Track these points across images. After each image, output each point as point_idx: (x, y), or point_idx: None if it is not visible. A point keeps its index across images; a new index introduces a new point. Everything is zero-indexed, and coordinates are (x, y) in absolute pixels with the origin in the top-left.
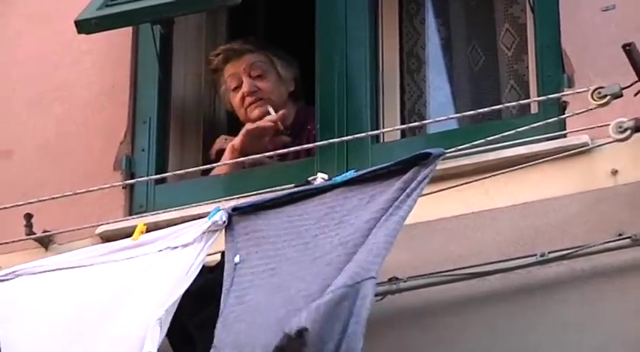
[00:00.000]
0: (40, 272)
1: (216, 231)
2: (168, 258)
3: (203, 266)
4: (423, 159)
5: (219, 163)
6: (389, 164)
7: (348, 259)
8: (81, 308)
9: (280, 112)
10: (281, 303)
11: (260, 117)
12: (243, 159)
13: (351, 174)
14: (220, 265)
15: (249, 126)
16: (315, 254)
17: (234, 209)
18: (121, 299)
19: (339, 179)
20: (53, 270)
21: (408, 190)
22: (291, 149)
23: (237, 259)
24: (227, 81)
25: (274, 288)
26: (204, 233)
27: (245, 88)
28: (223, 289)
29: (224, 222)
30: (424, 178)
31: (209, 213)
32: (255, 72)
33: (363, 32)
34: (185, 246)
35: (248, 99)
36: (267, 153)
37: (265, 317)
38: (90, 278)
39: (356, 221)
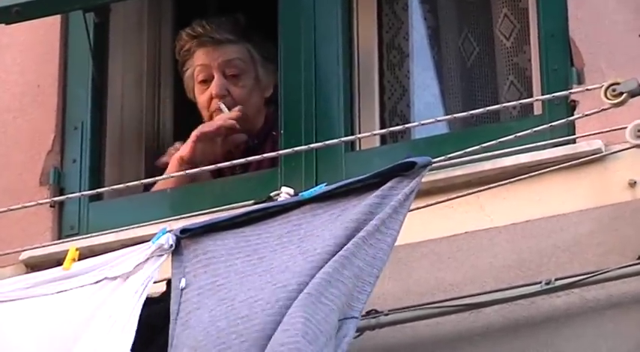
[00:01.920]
0: None
1: (162, 256)
2: (106, 290)
3: (147, 298)
4: (406, 170)
5: (163, 176)
6: (366, 176)
7: (307, 266)
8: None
9: (236, 109)
10: (223, 314)
11: (226, 130)
12: (194, 170)
13: (321, 188)
14: (167, 295)
15: (202, 128)
16: (270, 265)
17: (183, 231)
18: (53, 341)
19: (306, 194)
20: None
21: (391, 203)
22: (249, 159)
23: (182, 283)
24: (195, 69)
25: (218, 302)
26: (147, 259)
27: (214, 89)
28: (170, 319)
29: (171, 245)
30: (411, 192)
31: (153, 235)
32: (230, 70)
33: (334, 20)
34: (126, 276)
35: (215, 104)
36: (221, 164)
37: (207, 335)
38: (15, 316)
39: (322, 233)
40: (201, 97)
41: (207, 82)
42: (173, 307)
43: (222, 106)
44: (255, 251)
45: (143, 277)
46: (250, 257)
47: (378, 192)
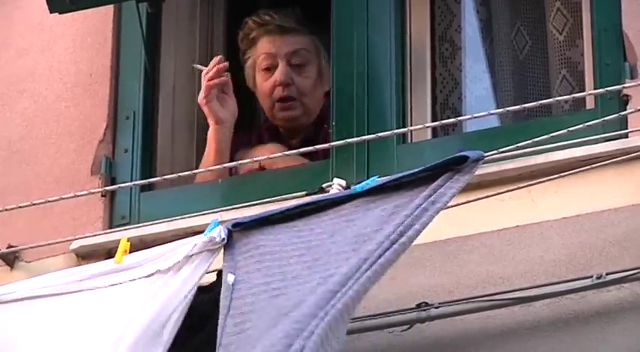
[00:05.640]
0: (7, 302)
1: (214, 250)
2: (158, 283)
3: (197, 287)
4: (458, 164)
5: (216, 166)
6: (418, 169)
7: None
8: (58, 344)
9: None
10: (282, 330)
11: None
12: (245, 161)
13: (372, 181)
14: (217, 285)
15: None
16: (326, 271)
17: (235, 224)
18: (106, 332)
19: (358, 188)
20: (23, 299)
21: (432, 198)
22: (301, 150)
23: (231, 279)
24: (259, 58)
25: (277, 312)
26: (200, 252)
27: (280, 76)
28: (220, 314)
29: (223, 239)
30: (456, 184)
31: (204, 225)
32: (296, 60)
33: (387, 13)
34: (178, 267)
35: (279, 92)
36: (273, 155)
37: (264, 348)
38: (69, 309)
39: (377, 235)
40: (263, 85)
41: (270, 69)
42: (224, 302)
43: (198, 66)
44: (308, 249)
45: (193, 269)
46: (306, 257)
47: (427, 192)
